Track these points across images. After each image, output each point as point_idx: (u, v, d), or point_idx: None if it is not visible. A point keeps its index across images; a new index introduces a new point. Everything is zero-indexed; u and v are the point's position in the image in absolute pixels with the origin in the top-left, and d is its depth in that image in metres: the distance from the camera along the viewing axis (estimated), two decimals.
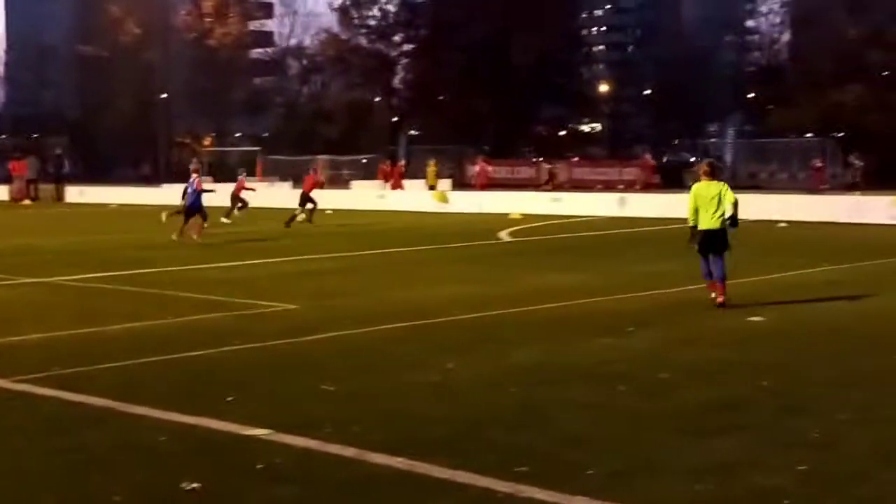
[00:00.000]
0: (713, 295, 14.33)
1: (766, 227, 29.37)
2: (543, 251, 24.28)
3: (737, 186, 56.05)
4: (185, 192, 25.61)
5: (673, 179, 55.03)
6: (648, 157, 62.90)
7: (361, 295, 15.96)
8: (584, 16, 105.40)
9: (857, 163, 52.37)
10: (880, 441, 7.78)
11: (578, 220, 34.35)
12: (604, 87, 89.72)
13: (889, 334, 12.32)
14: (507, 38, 79.10)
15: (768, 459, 7.33)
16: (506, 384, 9.68)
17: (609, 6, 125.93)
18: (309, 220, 31.76)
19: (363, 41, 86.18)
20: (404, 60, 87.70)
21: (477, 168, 55.62)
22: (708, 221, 14.39)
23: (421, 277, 18.70)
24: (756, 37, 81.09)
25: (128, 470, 7.23)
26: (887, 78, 59.56)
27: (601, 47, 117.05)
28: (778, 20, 78.70)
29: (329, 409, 8.78)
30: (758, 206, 33.76)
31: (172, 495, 6.70)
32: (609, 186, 54.27)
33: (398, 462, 7.24)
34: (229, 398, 9.17)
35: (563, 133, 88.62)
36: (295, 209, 31.88)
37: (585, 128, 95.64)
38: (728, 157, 65.89)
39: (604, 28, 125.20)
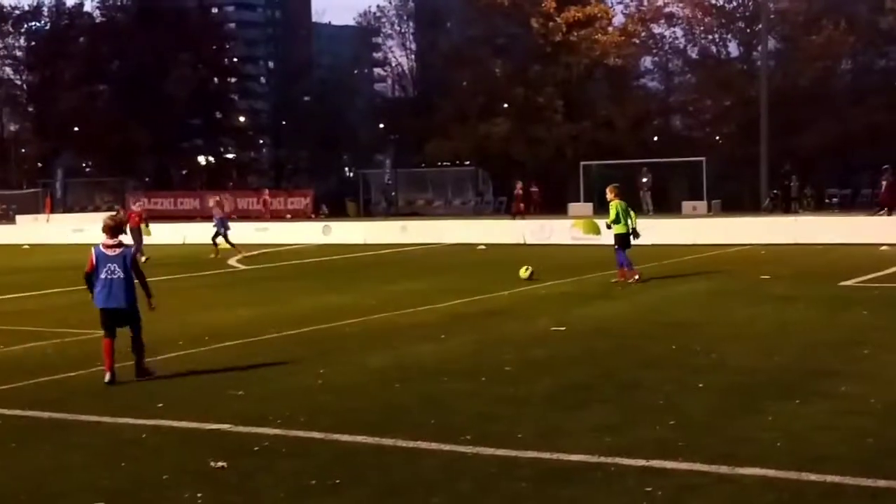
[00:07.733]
0: None
1: (468, 249, 32.16)
2: (293, 276, 25.34)
3: (398, 213, 58.89)
4: None
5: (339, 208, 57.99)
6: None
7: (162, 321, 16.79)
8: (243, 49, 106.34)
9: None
10: (710, 403, 10.01)
11: (290, 248, 35.64)
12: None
13: (643, 331, 14.78)
14: (164, 71, 79.24)
15: (638, 419, 9.41)
16: (374, 384, 11.31)
17: (268, 42, 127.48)
18: None
19: (9, 72, 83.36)
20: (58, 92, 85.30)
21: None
22: None
23: (203, 302, 19.55)
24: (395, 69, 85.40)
25: (161, 454, 8.61)
26: (529, 112, 64.82)
27: (262, 80, 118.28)
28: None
29: (238, 408, 10.22)
30: (451, 232, 36.69)
31: (205, 472, 8.08)
32: (275, 216, 54.76)
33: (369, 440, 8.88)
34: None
35: (224, 164, 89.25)
36: None
37: (244, 158, 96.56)
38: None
39: (260, 62, 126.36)
